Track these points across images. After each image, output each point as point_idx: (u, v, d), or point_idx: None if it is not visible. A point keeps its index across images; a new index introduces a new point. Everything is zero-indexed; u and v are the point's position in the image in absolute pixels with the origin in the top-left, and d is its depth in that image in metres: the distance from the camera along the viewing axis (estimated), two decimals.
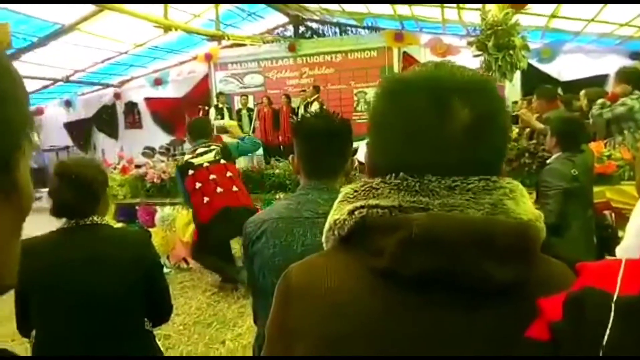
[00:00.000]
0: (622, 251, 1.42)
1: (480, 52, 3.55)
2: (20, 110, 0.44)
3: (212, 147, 3.89)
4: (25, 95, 0.46)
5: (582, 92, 5.65)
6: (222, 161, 3.85)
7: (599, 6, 6.19)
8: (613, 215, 3.55)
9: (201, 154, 3.83)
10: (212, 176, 3.74)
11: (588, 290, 0.51)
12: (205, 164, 3.78)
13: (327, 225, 0.70)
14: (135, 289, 1.66)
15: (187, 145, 10.78)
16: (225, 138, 5.19)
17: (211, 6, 8.57)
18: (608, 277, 0.51)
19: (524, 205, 0.64)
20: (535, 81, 6.64)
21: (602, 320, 0.47)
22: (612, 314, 0.47)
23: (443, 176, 0.62)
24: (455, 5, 7.34)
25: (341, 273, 0.65)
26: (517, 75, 5.77)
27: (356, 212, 0.65)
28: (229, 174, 3.83)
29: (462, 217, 0.60)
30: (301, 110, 9.18)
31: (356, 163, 2.07)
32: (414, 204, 0.62)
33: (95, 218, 1.69)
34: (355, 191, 0.68)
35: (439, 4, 7.55)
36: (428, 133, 0.63)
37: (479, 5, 6.13)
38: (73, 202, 1.63)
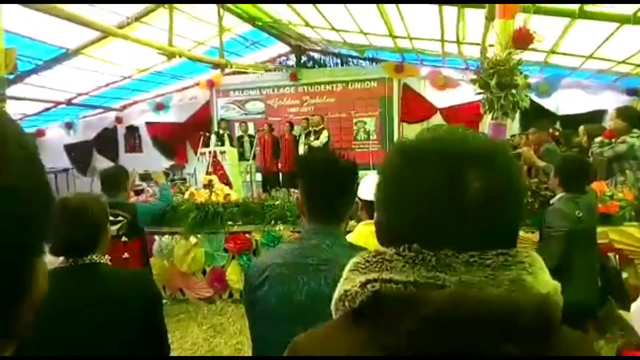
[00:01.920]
0: (637, 311, 1.39)
1: (482, 91, 3.58)
2: (43, 212, 0.42)
3: (119, 218, 3.47)
4: (52, 196, 0.45)
5: (581, 128, 5.70)
6: (124, 238, 3.47)
7: (597, 43, 6.29)
8: (617, 257, 3.52)
9: None
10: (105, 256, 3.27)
11: None
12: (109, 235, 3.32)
13: (336, 294, 0.68)
14: (133, 333, 1.62)
15: (187, 171, 10.91)
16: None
17: (215, 34, 8.68)
18: None
19: (543, 278, 0.63)
20: (533, 115, 6.68)
21: None
22: None
23: (460, 250, 0.61)
24: (455, 40, 7.45)
25: (350, 347, 0.63)
26: None
27: (369, 286, 0.63)
28: (125, 255, 3.45)
29: (482, 297, 0.58)
30: (302, 139, 9.22)
31: (359, 204, 2.04)
32: (430, 280, 0.60)
33: (94, 257, 1.65)
34: (367, 261, 0.66)
35: (439, 39, 7.65)
36: (442, 204, 0.62)
37: (479, 40, 6.25)
38: (73, 240, 1.60)
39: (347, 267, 0.69)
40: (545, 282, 0.62)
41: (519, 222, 0.69)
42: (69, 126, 12.51)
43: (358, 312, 0.64)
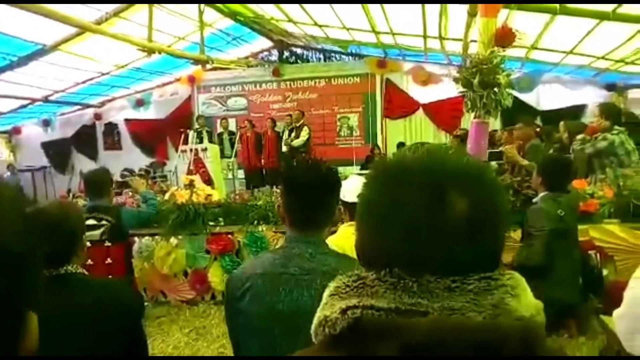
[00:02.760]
0: (619, 318, 1.39)
1: (465, 90, 3.58)
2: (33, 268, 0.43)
3: (102, 222, 3.38)
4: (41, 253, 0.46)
5: (562, 124, 5.76)
6: (107, 243, 3.36)
7: (577, 39, 6.36)
8: (598, 255, 3.56)
9: (88, 228, 3.09)
10: (88, 261, 2.89)
11: None
12: (87, 244, 3.04)
13: (316, 320, 0.66)
14: (110, 344, 1.57)
15: (168, 168, 10.76)
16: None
17: (196, 29, 8.56)
18: None
19: (525, 300, 0.62)
20: (514, 110, 6.74)
21: None
22: None
23: (442, 274, 0.60)
24: (437, 35, 7.45)
25: None
26: None
27: (349, 312, 0.61)
28: (108, 260, 3.35)
29: (464, 323, 0.57)
30: (285, 135, 9.17)
31: (342, 209, 2.01)
32: (412, 307, 0.59)
33: (70, 267, 1.60)
34: (347, 286, 0.65)
35: (421, 35, 7.65)
36: (423, 227, 0.60)
37: (461, 36, 6.27)
38: (48, 251, 1.54)
39: (327, 292, 0.68)
40: (528, 304, 0.61)
41: (502, 245, 0.67)
42: (46, 123, 12.27)
43: (338, 339, 0.63)
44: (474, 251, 0.61)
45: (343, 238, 2.16)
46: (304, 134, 8.87)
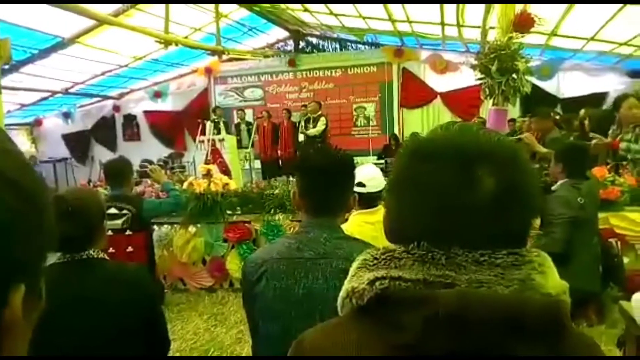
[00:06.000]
0: (637, 301, 1.38)
1: (483, 76, 3.53)
2: (26, 242, 0.40)
3: (123, 212, 3.42)
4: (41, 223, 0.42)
5: (582, 111, 5.63)
6: (128, 232, 3.41)
7: (598, 25, 6.21)
8: (619, 243, 3.51)
9: (110, 217, 3.11)
10: (110, 249, 3.08)
11: None
12: (109, 232, 2.97)
13: (343, 292, 0.67)
14: (130, 331, 1.59)
15: (186, 159, 10.87)
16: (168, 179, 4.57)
17: (212, 20, 8.59)
18: None
19: (552, 278, 0.62)
20: (534, 98, 6.60)
21: None
22: None
23: (470, 248, 0.61)
24: (455, 23, 7.35)
25: (357, 344, 0.63)
26: None
27: (377, 283, 0.62)
28: (129, 248, 3.39)
29: (491, 296, 0.58)
30: (302, 125, 9.16)
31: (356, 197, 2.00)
32: (440, 279, 0.60)
33: (91, 252, 1.63)
34: (375, 258, 0.66)
35: (439, 22, 7.55)
36: (453, 202, 0.61)
37: (479, 23, 6.17)
38: (68, 236, 1.57)
39: (355, 264, 0.69)
40: (554, 282, 0.61)
41: (530, 223, 0.67)
42: (66, 115, 12.46)
43: (365, 309, 0.64)
44: (501, 229, 0.61)
45: (354, 226, 2.16)
46: (321, 124, 8.85)
